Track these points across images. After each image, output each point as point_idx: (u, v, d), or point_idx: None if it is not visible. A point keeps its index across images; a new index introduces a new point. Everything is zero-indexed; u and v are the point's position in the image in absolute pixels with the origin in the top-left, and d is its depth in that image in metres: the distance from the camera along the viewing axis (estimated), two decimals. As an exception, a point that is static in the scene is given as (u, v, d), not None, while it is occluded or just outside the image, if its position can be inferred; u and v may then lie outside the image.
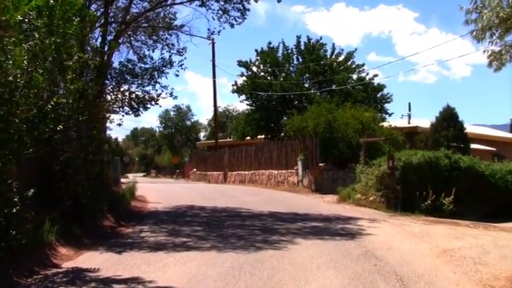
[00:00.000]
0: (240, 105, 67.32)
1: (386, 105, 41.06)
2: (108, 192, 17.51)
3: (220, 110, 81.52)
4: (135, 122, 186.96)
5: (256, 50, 42.22)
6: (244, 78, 42.31)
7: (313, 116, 29.68)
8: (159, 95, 19.29)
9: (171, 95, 19.64)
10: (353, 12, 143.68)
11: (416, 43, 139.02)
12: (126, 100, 18.20)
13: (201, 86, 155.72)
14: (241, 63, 42.17)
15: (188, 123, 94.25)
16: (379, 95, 40.88)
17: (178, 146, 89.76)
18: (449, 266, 9.25)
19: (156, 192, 27.25)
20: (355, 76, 40.97)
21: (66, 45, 9.55)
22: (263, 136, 41.79)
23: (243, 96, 42.32)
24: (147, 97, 18.90)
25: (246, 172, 38.22)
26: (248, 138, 43.19)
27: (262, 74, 42.27)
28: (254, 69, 42.48)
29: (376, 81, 40.97)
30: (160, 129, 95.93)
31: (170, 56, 19.78)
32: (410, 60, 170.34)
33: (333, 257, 9.84)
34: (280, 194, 26.44)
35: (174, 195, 24.92)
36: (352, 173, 22.87)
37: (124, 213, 16.43)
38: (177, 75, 19.88)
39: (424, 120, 38.43)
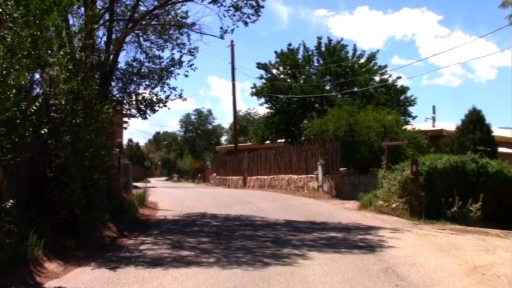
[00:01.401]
0: (261, 108, 66.63)
1: (410, 108, 40.01)
2: (114, 200, 16.63)
3: (241, 113, 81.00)
4: (158, 127, 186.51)
5: (275, 52, 41.40)
6: (263, 80, 41.40)
7: (333, 119, 28.78)
8: (167, 97, 18.41)
9: (180, 96, 18.75)
10: (376, 16, 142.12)
11: (440, 46, 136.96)
12: (133, 102, 17.33)
13: (224, 90, 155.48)
14: (260, 65, 41.30)
15: (209, 127, 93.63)
16: (402, 97, 39.73)
17: (199, 150, 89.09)
18: (482, 288, 8.15)
19: (170, 198, 26.33)
20: (377, 78, 39.91)
21: (44, 38, 8.57)
22: (283, 140, 40.80)
23: (262, 99, 41.47)
24: (154, 99, 18.03)
25: (266, 177, 37.29)
26: (268, 142, 42.32)
27: (281, 76, 41.32)
28: (274, 71, 41.59)
29: (399, 83, 39.93)
30: (182, 133, 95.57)
31: (181, 56, 18.92)
32: (434, 63, 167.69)
33: (350, 275, 8.76)
34: (299, 200, 25.38)
35: (188, 202, 23.96)
36: (374, 178, 21.85)
37: (129, 222, 15.48)
38: (186, 76, 18.99)
39: (449, 123, 37.28)
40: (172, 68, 18.44)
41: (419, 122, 40.44)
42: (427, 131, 32.19)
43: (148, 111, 18.22)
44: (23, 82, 8.25)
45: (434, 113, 43.30)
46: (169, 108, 19.00)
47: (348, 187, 25.83)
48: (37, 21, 8.02)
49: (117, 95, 17.80)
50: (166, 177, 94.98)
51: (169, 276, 8.73)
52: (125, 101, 18.07)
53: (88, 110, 11.49)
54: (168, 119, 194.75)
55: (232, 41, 49.36)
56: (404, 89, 39.68)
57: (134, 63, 18.14)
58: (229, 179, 45.82)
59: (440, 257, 10.56)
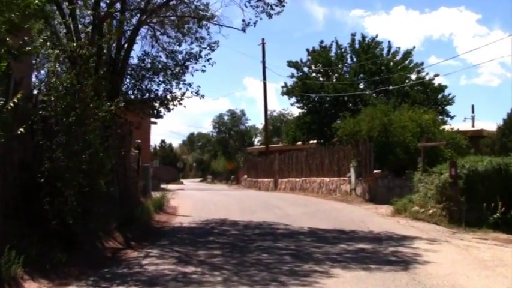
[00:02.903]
0: (296, 109, 65.24)
1: (448, 108, 38.31)
2: (127, 205, 15.49)
3: (275, 114, 79.82)
4: (194, 128, 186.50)
5: (307, 50, 40.12)
6: (294, 79, 40.05)
7: (367, 118, 27.47)
8: (183, 94, 17.18)
9: (197, 93, 17.51)
10: (413, 15, 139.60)
11: (478, 45, 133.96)
12: (147, 100, 16.18)
13: (260, 91, 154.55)
14: (291, 64, 39.94)
15: (242, 127, 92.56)
16: (439, 96, 37.97)
17: (232, 151, 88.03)
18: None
19: (193, 202, 25.18)
20: (413, 76, 38.30)
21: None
22: (315, 141, 39.46)
23: (293, 99, 40.16)
24: (169, 96, 16.83)
25: (297, 179, 36.11)
26: (299, 143, 41.04)
27: (313, 74, 39.98)
28: (305, 69, 40.28)
29: (436, 81, 38.26)
30: (214, 134, 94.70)
31: (200, 51, 17.69)
32: (472, 63, 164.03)
33: (377, 301, 7.37)
34: (329, 204, 23.99)
35: (211, 206, 22.70)
36: (409, 181, 20.49)
37: (140, 230, 14.22)
38: (203, 71, 17.69)
39: (489, 123, 35.65)
40: (188, 63, 17.25)
41: (458, 122, 38.84)
42: (466, 132, 30.93)
43: (163, 110, 17.09)
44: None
45: (473, 113, 41.52)
46: (185, 107, 17.81)
47: (381, 190, 24.49)
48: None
49: (130, 93, 16.64)
50: (200, 179, 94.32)
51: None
52: (136, 98, 16.91)
53: (84, 108, 10.25)
54: (203, 120, 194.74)
55: (263, 39, 48.37)
56: (441, 87, 37.99)
57: (146, 58, 16.94)
58: (260, 181, 44.84)
59: (485, 276, 9.06)
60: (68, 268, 9.27)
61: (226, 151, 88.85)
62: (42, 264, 8.78)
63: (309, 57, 40.00)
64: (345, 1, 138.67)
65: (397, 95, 35.44)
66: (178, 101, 17.21)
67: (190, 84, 17.41)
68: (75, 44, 10.13)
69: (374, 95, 36.95)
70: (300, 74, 40.11)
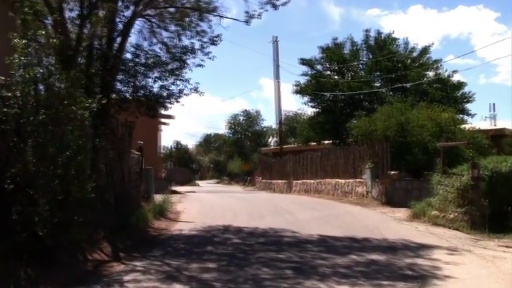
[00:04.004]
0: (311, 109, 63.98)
1: (468, 106, 36.77)
2: (124, 211, 14.39)
3: (290, 114, 78.76)
4: (212, 129, 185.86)
5: (321, 47, 38.78)
6: (307, 77, 38.83)
7: (383, 117, 26.51)
8: (181, 91, 16.05)
9: (195, 90, 16.37)
10: (431, 14, 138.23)
11: (497, 44, 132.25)
12: (141, 97, 15.08)
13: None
14: (304, 61, 38.66)
15: (258, 128, 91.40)
16: (459, 94, 36.48)
17: (247, 152, 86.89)
18: None
19: (200, 205, 24.06)
20: (431, 73, 36.89)
21: None
22: (330, 141, 38.24)
23: (306, 98, 38.89)
24: (165, 94, 15.70)
25: (311, 181, 34.93)
26: (313, 143, 39.83)
27: (327, 72, 38.72)
28: (318, 67, 38.97)
29: (455, 78, 36.86)
30: (229, 134, 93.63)
31: (202, 46, 16.55)
32: (491, 62, 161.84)
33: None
34: (344, 207, 22.76)
35: (218, 211, 21.49)
36: (428, 183, 19.22)
37: (133, 239, 13.05)
38: (201, 66, 16.54)
39: (510, 122, 34.41)
40: (185, 57, 16.10)
41: (478, 120, 37.43)
42: (487, 131, 29.88)
43: (158, 108, 15.99)
44: None
45: (494, 111, 40.06)
46: (183, 105, 16.72)
47: (399, 193, 23.33)
48: None
49: (123, 90, 15.54)
50: (217, 180, 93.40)
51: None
52: (130, 96, 15.81)
53: (58, 104, 9.09)
54: (220, 121, 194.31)
55: (275, 37, 47.31)
56: (461, 84, 36.51)
57: (139, 53, 15.80)
58: (274, 182, 43.67)
59: (515, 296, 7.83)
60: (37, 287, 8.16)
61: (241, 152, 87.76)
62: (6, 285, 7.67)
63: (323, 55, 38.75)
64: (361, 0, 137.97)
65: (415, 93, 34.12)
66: (175, 98, 16.16)
67: (188, 80, 16.35)
68: (43, 32, 8.91)
69: (390, 93, 35.70)
70: (313, 72, 38.88)
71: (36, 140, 8.91)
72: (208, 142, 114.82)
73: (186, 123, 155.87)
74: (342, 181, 29.70)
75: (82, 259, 10.25)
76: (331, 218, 18.59)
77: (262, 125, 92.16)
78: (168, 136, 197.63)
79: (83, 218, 9.92)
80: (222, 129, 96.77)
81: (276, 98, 47.84)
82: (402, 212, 19.27)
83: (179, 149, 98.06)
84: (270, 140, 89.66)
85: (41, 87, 9.23)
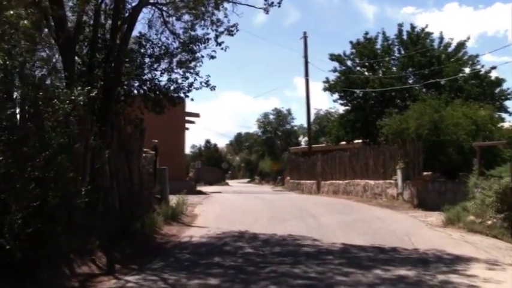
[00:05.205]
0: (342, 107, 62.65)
1: (507, 103, 35.22)
2: (129, 215, 13.27)
3: (321, 113, 77.66)
4: (244, 128, 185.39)
5: (351, 42, 37.41)
6: (337, 74, 37.47)
7: (415, 115, 25.28)
8: (191, 85, 14.87)
9: (207, 84, 15.19)
10: (467, 12, 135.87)
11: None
12: (147, 90, 13.96)
13: (311, 90, 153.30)
14: (333, 57, 37.30)
15: (288, 127, 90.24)
16: (497, 90, 34.97)
17: (278, 151, 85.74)
18: None
19: (221, 207, 22.99)
20: (467, 70, 35.26)
21: None
22: (360, 140, 36.86)
23: (336, 95, 37.57)
24: (172, 87, 14.55)
25: (340, 182, 33.66)
26: (343, 142, 38.48)
27: (357, 68, 37.28)
28: (348, 63, 37.55)
29: (493, 74, 35.24)
30: (259, 133, 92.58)
31: (217, 37, 15.38)
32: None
33: None
34: (372, 211, 21.39)
35: (237, 214, 20.22)
36: (463, 184, 18.19)
37: (135, 247, 11.85)
38: (212, 57, 15.34)
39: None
40: (195, 47, 14.95)
41: (517, 118, 35.67)
42: (529, 129, 27.86)
43: (165, 104, 14.87)
44: None
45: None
46: (192, 99, 15.59)
47: (432, 195, 22.05)
48: None
49: (127, 83, 14.42)
50: (248, 180, 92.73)
51: None
52: (135, 90, 14.72)
53: (35, 99, 7.90)
54: (252, 120, 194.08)
55: (305, 33, 46.03)
56: (499, 81, 34.86)
57: (145, 43, 14.67)
58: (303, 183, 42.58)
59: None
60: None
61: (272, 151, 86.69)
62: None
63: (353, 50, 37.36)
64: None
65: (449, 90, 32.59)
66: (184, 92, 15.02)
67: (197, 73, 15.17)
68: (11, 12, 7.71)
69: (424, 89, 34.22)
70: (343, 68, 37.48)
71: (9, 138, 7.72)
72: (240, 141, 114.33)
73: (219, 123, 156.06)
74: (372, 182, 28.45)
75: (68, 273, 9.05)
76: (358, 223, 17.26)
77: (293, 124, 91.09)
78: (200, 135, 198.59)
79: (76, 224, 8.81)
80: (253, 128, 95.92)
81: (306, 95, 46.24)
82: (435, 216, 17.91)
83: (209, 148, 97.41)
84: (301, 139, 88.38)
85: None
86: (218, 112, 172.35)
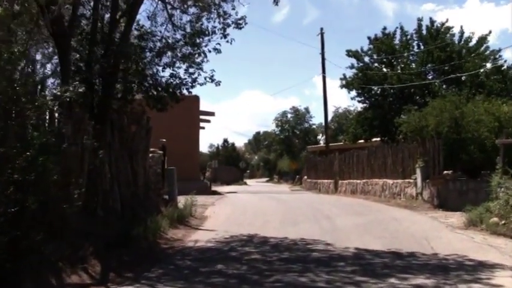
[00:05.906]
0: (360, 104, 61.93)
1: (530, 98, 33.87)
2: (132, 218, 12.62)
3: (340, 111, 77.13)
4: (263, 127, 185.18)
5: (368, 38, 36.67)
6: (354, 70, 36.73)
7: (434, 112, 24.46)
8: (194, 80, 14.22)
9: (211, 80, 14.52)
10: (488, 8, 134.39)
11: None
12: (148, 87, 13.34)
13: (329, 89, 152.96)
14: (350, 53, 36.48)
15: (306, 125, 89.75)
16: (520, 85, 33.82)
17: (296, 150, 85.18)
18: None
19: (233, 209, 22.43)
20: (489, 65, 34.31)
21: None
22: (378, 138, 36.11)
23: (354, 92, 36.80)
24: (174, 82, 13.91)
25: (358, 181, 33.01)
26: (362, 141, 37.70)
27: (375, 65, 36.47)
28: (366, 59, 36.74)
29: (515, 70, 34.22)
30: (277, 132, 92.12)
31: (224, 30, 14.71)
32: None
33: None
34: (390, 212, 20.66)
35: (248, 216, 19.52)
36: (486, 183, 17.40)
37: (134, 254, 11.12)
38: (217, 51, 14.66)
39: None
40: (197, 40, 14.30)
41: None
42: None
43: (168, 100, 14.24)
44: None
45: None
46: (196, 96, 14.94)
47: (453, 195, 21.29)
48: None
49: (127, 79, 13.79)
50: (267, 179, 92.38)
51: None
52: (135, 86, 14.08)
53: (15, 93, 7.20)
54: (271, 119, 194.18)
55: (321, 28, 45.50)
56: (523, 76, 33.82)
57: (145, 35, 14.03)
58: (320, 182, 42.03)
59: None
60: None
61: (290, 150, 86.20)
62: None
63: (371, 46, 36.58)
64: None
65: (470, 85, 31.76)
66: (187, 88, 14.38)
67: (201, 68, 14.52)
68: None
69: (444, 85, 33.40)
70: (361, 64, 36.68)
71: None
72: (258, 140, 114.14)
73: (237, 122, 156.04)
74: (390, 181, 27.67)
75: (55, 283, 8.35)
76: (374, 226, 16.48)
77: (312, 122, 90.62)
78: (218, 135, 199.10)
79: (69, 230, 8.16)
80: (272, 126, 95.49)
81: (323, 92, 45.50)
82: (456, 217, 17.15)
83: (226, 147, 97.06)
84: (319, 137, 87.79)
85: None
86: (237, 111, 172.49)
